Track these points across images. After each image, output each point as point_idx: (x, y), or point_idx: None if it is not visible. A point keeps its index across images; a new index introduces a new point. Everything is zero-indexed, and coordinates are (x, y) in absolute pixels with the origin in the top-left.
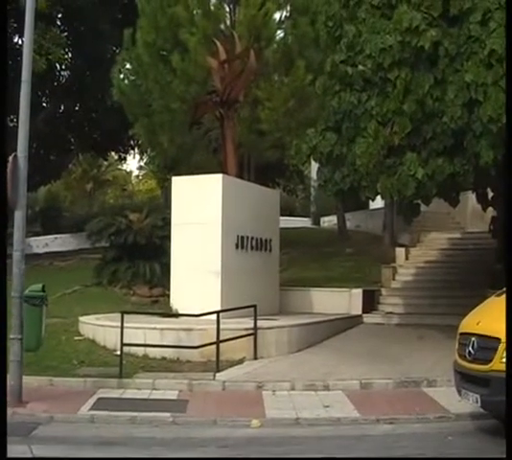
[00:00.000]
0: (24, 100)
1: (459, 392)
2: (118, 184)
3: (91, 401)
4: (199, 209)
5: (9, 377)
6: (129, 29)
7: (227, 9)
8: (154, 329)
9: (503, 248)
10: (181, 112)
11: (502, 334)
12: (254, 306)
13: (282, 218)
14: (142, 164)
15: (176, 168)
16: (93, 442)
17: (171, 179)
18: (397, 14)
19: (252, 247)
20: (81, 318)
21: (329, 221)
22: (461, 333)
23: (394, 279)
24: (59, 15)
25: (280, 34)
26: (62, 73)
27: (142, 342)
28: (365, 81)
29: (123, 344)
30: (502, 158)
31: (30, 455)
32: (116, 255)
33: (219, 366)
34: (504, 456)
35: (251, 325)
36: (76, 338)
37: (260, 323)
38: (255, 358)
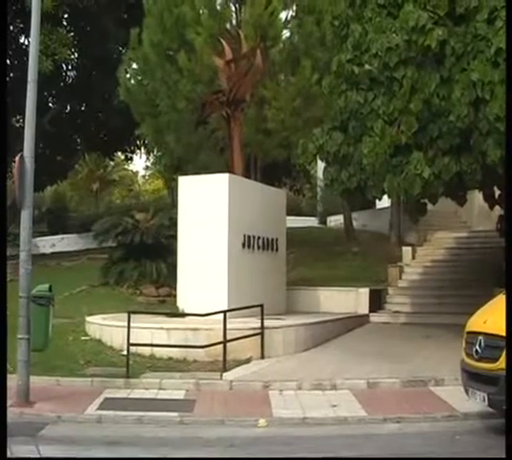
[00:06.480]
0: (30, 100)
1: (467, 391)
2: (124, 184)
3: (98, 401)
4: (206, 208)
5: (16, 377)
6: (136, 28)
7: (233, 8)
8: (161, 328)
9: (505, 247)
10: (188, 112)
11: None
12: (261, 305)
13: (288, 217)
14: (148, 164)
15: (183, 167)
16: (100, 442)
17: (177, 179)
18: (403, 13)
19: (259, 247)
20: (88, 318)
21: (335, 221)
22: (468, 332)
23: (401, 278)
24: (66, 16)
25: (286, 33)
26: (69, 73)
27: (149, 342)
28: (372, 81)
29: (129, 344)
30: (506, 157)
31: (37, 455)
32: (123, 255)
33: (226, 366)
34: (504, 456)
35: (258, 324)
36: (83, 338)
37: (267, 322)
38: (262, 358)
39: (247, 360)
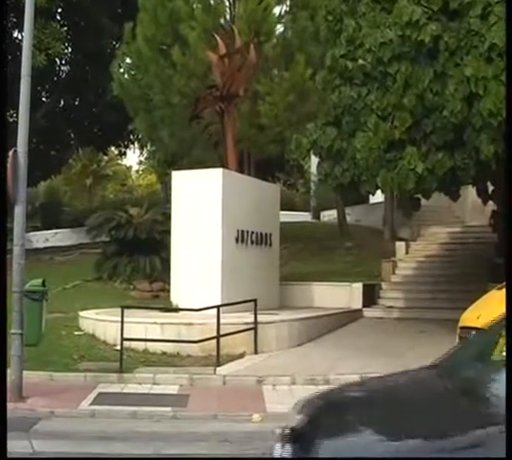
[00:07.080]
0: (24, 95)
1: None
2: (118, 179)
3: (92, 395)
4: (199, 203)
5: (9, 371)
6: (130, 23)
7: (227, 3)
8: (155, 323)
9: (503, 242)
10: (182, 107)
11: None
12: (254, 300)
13: (282, 212)
14: (142, 159)
15: (177, 162)
16: (94, 437)
17: (171, 174)
18: (397, 8)
19: (252, 242)
20: (82, 313)
21: (329, 216)
22: (461, 327)
23: (394, 273)
24: (59, 10)
25: (280, 28)
26: (62, 68)
27: (142, 337)
28: (365, 76)
29: (123, 339)
30: (502, 152)
31: (30, 450)
32: (116, 250)
33: (219, 361)
34: (504, 456)
35: (252, 319)
36: (76, 333)
37: (260, 317)
38: (255, 353)
39: (241, 355)
